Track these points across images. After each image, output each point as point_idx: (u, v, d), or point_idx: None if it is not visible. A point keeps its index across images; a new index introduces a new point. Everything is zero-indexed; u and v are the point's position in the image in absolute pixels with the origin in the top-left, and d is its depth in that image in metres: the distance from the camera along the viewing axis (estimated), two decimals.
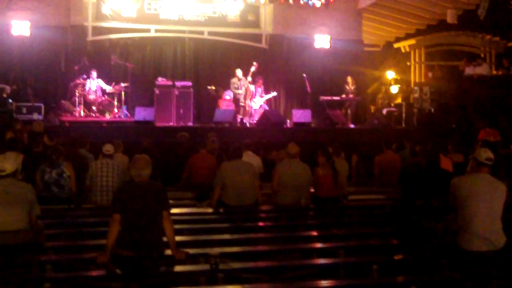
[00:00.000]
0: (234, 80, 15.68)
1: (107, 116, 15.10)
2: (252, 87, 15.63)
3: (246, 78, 15.53)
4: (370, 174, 10.71)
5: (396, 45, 20.28)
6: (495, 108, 15.33)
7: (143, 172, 5.32)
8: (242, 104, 15.46)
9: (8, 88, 14.25)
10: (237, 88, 15.55)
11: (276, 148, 11.01)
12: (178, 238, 5.51)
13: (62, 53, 16.16)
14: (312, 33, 17.54)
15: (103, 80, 15.43)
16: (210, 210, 7.63)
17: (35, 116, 13.56)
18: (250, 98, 15.59)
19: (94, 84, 15.24)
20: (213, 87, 15.90)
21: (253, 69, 15.50)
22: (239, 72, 15.70)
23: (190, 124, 15.12)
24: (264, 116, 14.79)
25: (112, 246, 5.16)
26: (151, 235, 5.21)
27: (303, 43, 17.54)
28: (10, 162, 5.63)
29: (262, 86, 16.16)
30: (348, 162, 9.81)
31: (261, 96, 15.99)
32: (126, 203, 5.23)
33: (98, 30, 16.32)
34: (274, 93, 16.51)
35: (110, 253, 5.13)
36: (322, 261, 5.43)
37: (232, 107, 15.36)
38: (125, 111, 15.31)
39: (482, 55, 19.51)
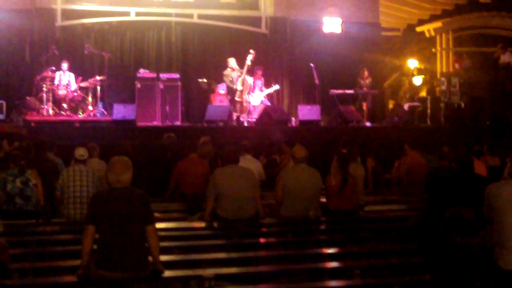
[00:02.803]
0: (227, 71, 15.66)
1: (80, 115, 15.10)
2: (250, 80, 15.63)
3: (242, 69, 15.51)
4: (390, 181, 10.70)
5: (419, 29, 20.31)
6: None
7: (122, 177, 5.31)
8: (238, 99, 15.47)
9: None
10: (232, 81, 15.54)
11: (279, 151, 11.01)
12: (164, 257, 5.51)
13: (27, 41, 16.16)
14: (320, 15, 17.54)
15: (75, 73, 15.42)
16: (202, 224, 7.61)
17: None
18: (247, 92, 15.59)
19: (64, 78, 15.22)
20: (205, 80, 15.90)
21: (250, 58, 15.47)
22: (232, 62, 15.69)
23: (178, 123, 15.12)
24: (265, 113, 14.79)
25: (88, 264, 5.18)
26: (133, 254, 5.20)
27: (310, 27, 17.55)
28: None
29: (262, 78, 16.15)
30: (364, 167, 9.81)
31: (261, 90, 15.99)
32: (102, 213, 5.23)
33: (68, 14, 16.32)
34: (277, 87, 16.51)
35: (89, 273, 5.13)
36: (335, 283, 5.43)
37: (227, 103, 15.38)
38: (101, 109, 15.30)
39: None
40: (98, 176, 8.18)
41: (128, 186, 5.34)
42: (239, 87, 15.46)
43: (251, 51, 15.56)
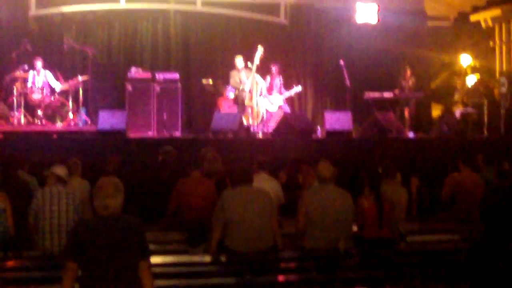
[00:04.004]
0: (234, 72, 15.70)
1: (59, 124, 15.17)
2: (261, 81, 15.57)
3: (251, 68, 15.51)
4: (438, 205, 10.66)
5: (473, 18, 20.26)
6: None
7: (111, 202, 5.33)
8: (248, 104, 15.50)
9: None
10: (239, 83, 15.56)
11: (302, 169, 11.01)
12: None
13: None
14: (352, 2, 17.62)
15: (52, 72, 15.55)
16: (207, 258, 7.62)
17: None
18: (259, 94, 15.60)
19: (39, 78, 15.32)
20: (210, 81, 15.95)
21: (259, 54, 15.43)
22: (239, 61, 15.69)
23: (178, 134, 15.22)
24: (284, 121, 14.78)
25: None
26: None
27: (339, 17, 17.66)
28: None
29: (281, 77, 16.21)
30: (406, 188, 9.79)
31: (280, 93, 16.04)
32: (86, 246, 5.23)
33: (45, 1, 16.51)
34: (299, 88, 16.50)
35: None
36: None
37: (237, 109, 15.45)
38: (84, 117, 15.39)
39: None
40: (80, 199, 8.21)
41: (117, 213, 5.35)
42: (247, 88, 15.45)
43: (260, 46, 15.54)
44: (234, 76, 15.69)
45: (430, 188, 11.19)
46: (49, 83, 15.39)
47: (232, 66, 15.89)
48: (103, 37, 17.19)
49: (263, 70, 15.80)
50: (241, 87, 15.49)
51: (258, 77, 15.60)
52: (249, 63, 15.41)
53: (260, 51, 15.45)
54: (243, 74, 15.59)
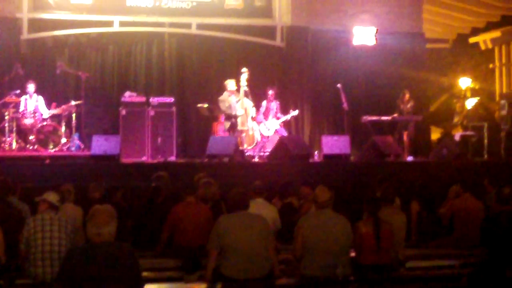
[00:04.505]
0: (223, 96, 15.64)
1: (51, 149, 15.16)
2: (248, 103, 15.59)
3: (239, 91, 15.54)
4: (438, 230, 10.65)
5: (472, 40, 20.38)
6: None
7: (105, 230, 5.35)
8: (241, 128, 15.51)
9: None
10: (229, 108, 15.49)
11: (298, 194, 11.00)
12: None
13: None
14: (349, 24, 17.70)
15: (44, 97, 15.57)
16: (203, 285, 7.60)
17: None
18: (253, 118, 15.62)
19: (31, 103, 15.34)
20: (206, 105, 15.94)
21: (244, 77, 15.50)
22: (231, 85, 15.68)
23: (173, 159, 15.22)
24: (281, 145, 14.79)
25: None
26: None
27: (336, 39, 17.72)
28: None
29: (277, 102, 16.26)
30: (406, 213, 9.78)
31: (277, 117, 16.09)
32: (79, 274, 5.24)
33: (37, 24, 16.57)
34: (295, 112, 16.58)
35: None
36: None
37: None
38: (77, 141, 15.39)
39: None
40: (72, 226, 8.19)
41: (111, 241, 5.36)
42: (239, 112, 15.47)
43: (244, 69, 15.56)
44: (224, 101, 15.62)
45: (430, 212, 11.16)
46: (41, 108, 15.35)
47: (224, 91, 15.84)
48: (97, 61, 17.21)
49: (258, 94, 15.85)
50: (233, 113, 15.49)
51: (247, 101, 15.63)
52: (244, 88, 15.46)
53: (245, 74, 15.48)
54: (233, 99, 15.57)
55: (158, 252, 9.30)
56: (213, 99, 16.27)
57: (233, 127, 15.49)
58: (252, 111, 15.72)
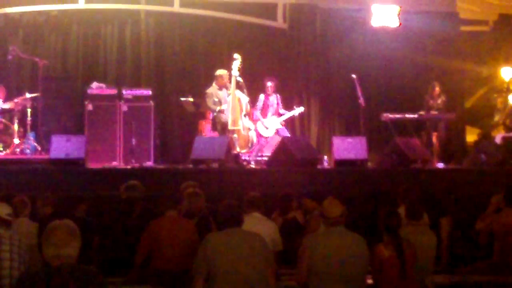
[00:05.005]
0: (211, 89, 15.66)
1: (2, 152, 15.14)
2: (242, 96, 15.56)
3: (230, 82, 15.50)
4: (474, 252, 10.66)
5: None
6: None
7: (64, 251, 5.31)
8: (232, 128, 15.44)
9: None
10: (217, 103, 15.53)
11: (304, 207, 10.99)
12: None
13: None
14: (367, 2, 17.71)
15: None
16: None
17: None
18: (246, 115, 15.57)
19: None
20: (190, 99, 15.95)
21: (236, 65, 15.46)
22: (221, 75, 15.68)
23: (150, 164, 15.26)
24: (283, 148, 14.83)
25: None
26: None
27: (351, 20, 17.78)
28: None
29: (278, 96, 16.27)
30: (435, 232, 9.78)
31: (278, 114, 16.09)
32: None
33: None
34: (301, 109, 16.64)
35: None
36: None
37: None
38: (32, 142, 15.36)
39: None
40: (27, 245, 8.16)
41: (73, 264, 5.33)
42: (230, 108, 15.43)
43: (236, 55, 15.53)
44: (212, 94, 15.61)
45: (465, 231, 11.17)
46: None
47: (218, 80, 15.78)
48: (57, 45, 17.28)
49: (255, 87, 15.88)
50: (218, 108, 15.49)
51: (240, 94, 15.61)
52: (237, 78, 15.42)
53: (238, 61, 15.46)
54: (223, 93, 15.60)
55: (132, 278, 9.28)
56: (199, 91, 16.28)
57: (223, 126, 15.50)
58: (246, 106, 15.67)
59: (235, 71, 15.45)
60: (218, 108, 15.47)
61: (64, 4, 16.87)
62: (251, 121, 15.79)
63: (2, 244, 7.97)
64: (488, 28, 20.33)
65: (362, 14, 17.59)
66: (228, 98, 15.49)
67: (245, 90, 15.55)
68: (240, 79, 15.41)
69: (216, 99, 15.57)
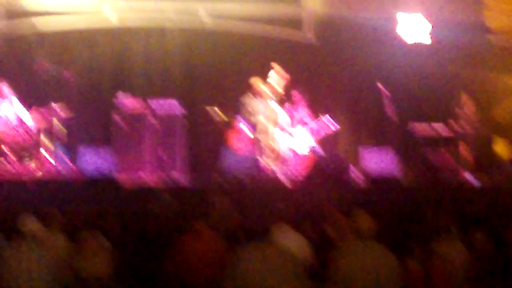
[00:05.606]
0: (245, 99, 15.65)
1: (28, 164, 15.11)
2: (278, 109, 15.63)
3: (264, 93, 15.54)
4: (509, 268, 10.56)
5: None
6: None
7: (93, 264, 5.34)
8: (264, 139, 15.50)
9: None
10: (253, 114, 15.57)
11: (333, 221, 10.94)
12: None
13: None
14: (393, 12, 17.72)
15: (21, 101, 15.53)
16: None
17: None
18: (277, 126, 15.57)
19: (3, 107, 15.34)
20: (219, 111, 15.93)
21: (274, 76, 15.57)
22: (256, 84, 15.65)
23: (177, 175, 15.34)
24: (312, 161, 14.91)
25: None
26: None
27: (377, 31, 17.66)
28: None
29: (305, 108, 16.24)
30: (467, 247, 9.69)
31: (307, 126, 16.15)
32: None
33: (13, 13, 16.65)
34: (331, 126, 16.55)
35: None
36: None
37: (252, 145, 15.47)
38: (60, 155, 15.34)
39: None
40: (57, 259, 8.10)
41: (102, 277, 5.33)
42: (262, 119, 15.48)
43: (275, 65, 15.63)
44: (245, 105, 15.63)
45: (499, 247, 11.07)
46: (16, 114, 15.36)
47: (245, 91, 15.81)
48: (85, 58, 17.34)
49: (282, 97, 15.80)
50: (255, 119, 15.50)
51: (275, 105, 15.62)
52: (268, 89, 15.44)
53: (275, 72, 15.47)
54: (256, 102, 15.59)
55: None
56: (227, 102, 16.23)
57: (254, 138, 15.50)
58: (277, 117, 15.65)
59: (273, 82, 15.52)
60: (256, 119, 15.45)
61: (92, 16, 16.94)
62: (282, 133, 15.74)
63: (30, 259, 7.98)
64: None
65: (389, 25, 17.56)
66: (261, 109, 15.49)
67: (276, 101, 15.54)
68: (276, 89, 15.44)
69: (251, 109, 15.55)
